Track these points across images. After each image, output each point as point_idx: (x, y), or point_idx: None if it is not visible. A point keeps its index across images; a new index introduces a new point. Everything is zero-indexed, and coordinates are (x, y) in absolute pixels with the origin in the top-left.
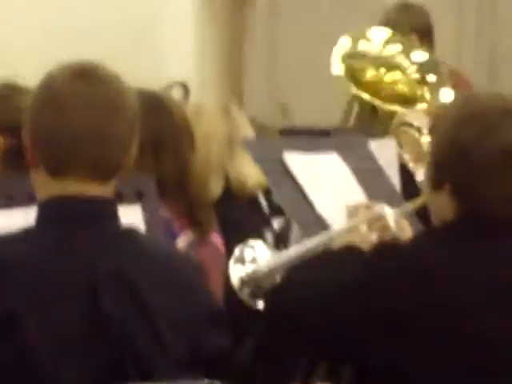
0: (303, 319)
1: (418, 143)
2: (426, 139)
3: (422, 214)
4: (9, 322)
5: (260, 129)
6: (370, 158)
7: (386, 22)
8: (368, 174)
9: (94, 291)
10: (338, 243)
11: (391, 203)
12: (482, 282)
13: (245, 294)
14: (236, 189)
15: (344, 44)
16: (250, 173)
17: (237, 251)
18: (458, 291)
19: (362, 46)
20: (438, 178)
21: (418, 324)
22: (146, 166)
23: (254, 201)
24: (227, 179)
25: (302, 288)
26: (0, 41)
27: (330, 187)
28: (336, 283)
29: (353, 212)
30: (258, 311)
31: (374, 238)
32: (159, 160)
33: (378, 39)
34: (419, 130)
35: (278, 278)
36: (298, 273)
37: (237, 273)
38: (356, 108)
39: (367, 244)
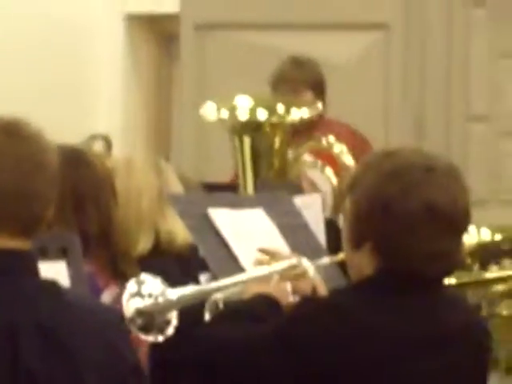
0: (232, 376)
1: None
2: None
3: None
4: None
5: (185, 183)
6: (296, 213)
7: (281, 78)
8: (293, 229)
9: (15, 346)
10: (248, 291)
11: (317, 258)
12: (405, 336)
13: (136, 326)
14: (165, 244)
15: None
16: (179, 228)
17: (133, 285)
18: (383, 344)
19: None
20: (358, 236)
21: (346, 376)
22: (68, 220)
23: (182, 256)
24: (156, 233)
25: (228, 341)
26: None
27: (255, 242)
28: (261, 340)
29: (264, 259)
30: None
31: (288, 287)
32: (81, 213)
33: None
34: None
35: (173, 315)
36: (220, 326)
37: (133, 304)
38: (247, 151)
39: (281, 294)
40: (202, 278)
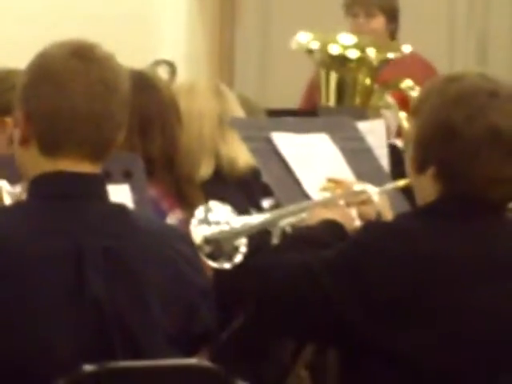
0: (293, 299)
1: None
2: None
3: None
4: None
5: (248, 109)
6: (359, 139)
7: (354, 0)
8: (357, 154)
9: (81, 267)
10: (314, 217)
11: (380, 183)
12: (469, 261)
13: (204, 252)
14: (227, 169)
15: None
16: (240, 153)
17: (200, 213)
18: (447, 269)
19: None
20: (422, 160)
21: (410, 302)
22: (134, 145)
23: (243, 181)
24: (218, 158)
25: (290, 269)
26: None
27: (319, 167)
28: (325, 263)
29: (331, 186)
30: (245, 292)
31: (353, 213)
32: (146, 138)
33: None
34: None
35: (241, 242)
36: (284, 252)
37: (201, 231)
38: (332, 86)
39: (346, 219)
40: (265, 203)
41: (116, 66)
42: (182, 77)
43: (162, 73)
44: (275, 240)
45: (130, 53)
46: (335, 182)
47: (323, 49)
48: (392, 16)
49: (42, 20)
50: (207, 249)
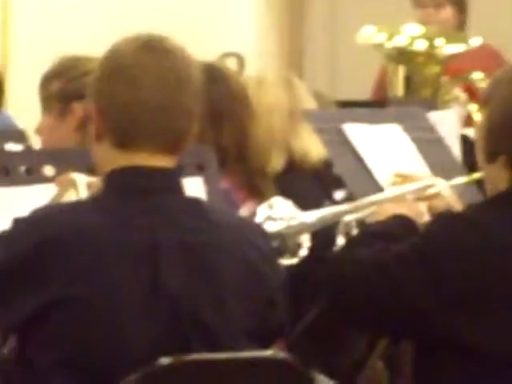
0: (367, 293)
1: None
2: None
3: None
4: (71, 292)
5: (319, 101)
6: (431, 129)
7: None
8: (429, 145)
9: (157, 261)
10: (384, 213)
11: (452, 174)
12: None
13: None
14: (299, 161)
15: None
16: (313, 145)
17: (264, 209)
18: None
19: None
20: (493, 149)
21: (484, 293)
22: (206, 137)
23: (315, 173)
24: (289, 151)
25: (363, 263)
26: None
27: (391, 158)
28: (397, 256)
29: (399, 181)
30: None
31: (423, 207)
32: (218, 130)
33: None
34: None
35: (305, 238)
36: (355, 248)
37: (266, 228)
38: (400, 79)
39: (417, 214)
40: (337, 195)
41: (187, 58)
42: (251, 69)
43: (231, 65)
44: (340, 235)
45: (200, 46)
46: (402, 177)
47: (389, 41)
48: (461, 7)
49: (113, 14)
50: (273, 244)
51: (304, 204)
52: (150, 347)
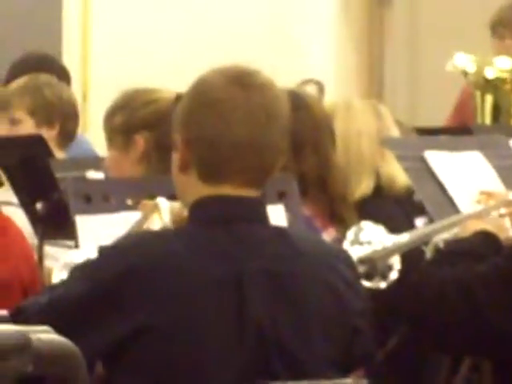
0: (449, 316)
1: None
2: None
3: None
4: (155, 321)
5: (398, 127)
6: None
7: (500, 21)
8: (511, 172)
9: (242, 291)
10: (467, 229)
11: None
12: None
13: (359, 273)
14: (386, 187)
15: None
16: (399, 171)
17: (352, 234)
18: None
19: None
20: None
21: None
22: (287, 164)
23: (399, 199)
24: (377, 176)
25: (444, 284)
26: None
27: (473, 185)
28: (479, 277)
29: (484, 199)
30: (400, 310)
31: (507, 223)
32: (299, 157)
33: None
34: None
35: (395, 260)
36: (438, 268)
37: (354, 252)
38: (488, 108)
39: (500, 229)
40: (418, 222)
41: (276, 92)
42: (331, 94)
43: (310, 91)
44: (429, 256)
45: (278, 73)
46: (488, 195)
47: (479, 72)
48: None
49: (192, 44)
50: (362, 269)
51: (389, 229)
52: (235, 376)
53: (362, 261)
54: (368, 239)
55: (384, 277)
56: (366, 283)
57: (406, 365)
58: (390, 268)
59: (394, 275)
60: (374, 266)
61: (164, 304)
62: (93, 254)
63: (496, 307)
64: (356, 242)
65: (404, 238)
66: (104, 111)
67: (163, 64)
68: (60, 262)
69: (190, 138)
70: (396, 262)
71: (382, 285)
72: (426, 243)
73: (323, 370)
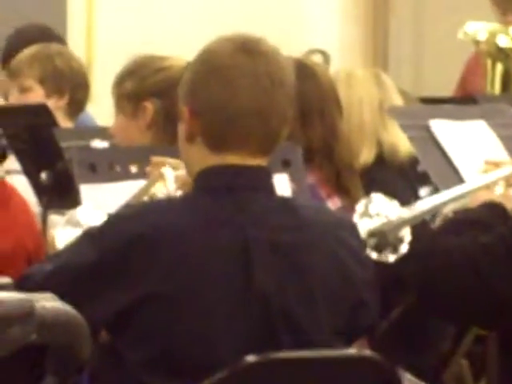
0: (455, 285)
1: None
2: None
3: None
4: (161, 289)
5: (403, 97)
6: None
7: None
8: None
9: (247, 260)
10: (475, 200)
11: None
12: None
13: (370, 246)
14: (388, 155)
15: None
16: (402, 140)
17: (361, 206)
18: None
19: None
20: None
21: None
22: (294, 133)
23: (402, 169)
24: (379, 145)
25: (450, 254)
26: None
27: (478, 155)
28: (484, 248)
29: (490, 168)
30: (405, 279)
31: None
32: (306, 126)
33: None
34: None
35: (405, 232)
36: (444, 238)
37: (364, 225)
38: (498, 76)
39: (508, 200)
40: (422, 192)
41: (282, 60)
42: (335, 65)
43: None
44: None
45: (284, 43)
46: (494, 164)
47: (491, 40)
48: None
49: (197, 15)
50: (372, 242)
51: (392, 198)
52: (240, 345)
53: (373, 234)
54: (377, 211)
55: (395, 249)
56: (376, 256)
57: (409, 335)
58: (400, 240)
59: (404, 248)
60: (385, 238)
61: (170, 272)
62: (95, 212)
63: (501, 277)
64: (366, 214)
65: (414, 209)
66: (111, 80)
67: (168, 34)
68: (63, 218)
69: (196, 107)
70: (407, 234)
71: (391, 258)
72: (436, 215)
73: (327, 340)
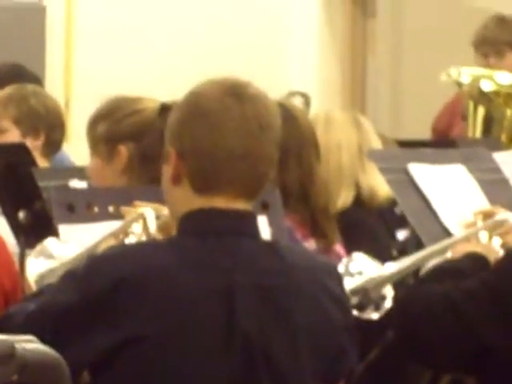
0: (436, 330)
1: None
2: None
3: None
4: (144, 331)
5: (381, 140)
6: (496, 170)
7: (483, 39)
8: (494, 186)
9: (232, 304)
10: (457, 252)
11: None
12: None
13: (352, 305)
14: (367, 198)
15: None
16: (380, 183)
17: (342, 266)
18: None
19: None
20: None
21: None
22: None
23: (381, 211)
24: (357, 188)
25: (432, 299)
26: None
27: (456, 198)
28: (466, 292)
29: (471, 220)
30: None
31: (497, 243)
32: (283, 169)
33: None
34: None
35: (387, 289)
36: (426, 285)
37: (345, 284)
38: (479, 119)
39: (490, 251)
40: (400, 234)
41: (269, 104)
42: (314, 106)
43: (296, 103)
44: None
45: (264, 85)
46: (484, 214)
47: (474, 83)
48: None
49: (175, 55)
50: (354, 300)
51: (370, 241)
52: None
53: (355, 292)
54: (359, 270)
55: (377, 307)
56: (357, 314)
57: (386, 377)
58: (383, 298)
59: (387, 304)
60: (367, 296)
61: (156, 314)
62: (69, 245)
63: (483, 322)
64: (347, 273)
65: (395, 266)
66: (87, 119)
67: (146, 74)
68: (34, 249)
69: (184, 149)
70: (389, 291)
71: (375, 316)
72: (418, 270)
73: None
